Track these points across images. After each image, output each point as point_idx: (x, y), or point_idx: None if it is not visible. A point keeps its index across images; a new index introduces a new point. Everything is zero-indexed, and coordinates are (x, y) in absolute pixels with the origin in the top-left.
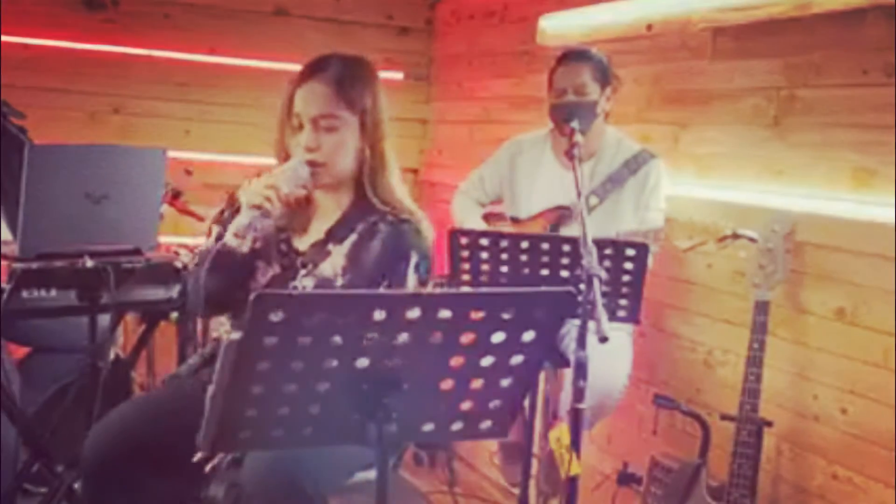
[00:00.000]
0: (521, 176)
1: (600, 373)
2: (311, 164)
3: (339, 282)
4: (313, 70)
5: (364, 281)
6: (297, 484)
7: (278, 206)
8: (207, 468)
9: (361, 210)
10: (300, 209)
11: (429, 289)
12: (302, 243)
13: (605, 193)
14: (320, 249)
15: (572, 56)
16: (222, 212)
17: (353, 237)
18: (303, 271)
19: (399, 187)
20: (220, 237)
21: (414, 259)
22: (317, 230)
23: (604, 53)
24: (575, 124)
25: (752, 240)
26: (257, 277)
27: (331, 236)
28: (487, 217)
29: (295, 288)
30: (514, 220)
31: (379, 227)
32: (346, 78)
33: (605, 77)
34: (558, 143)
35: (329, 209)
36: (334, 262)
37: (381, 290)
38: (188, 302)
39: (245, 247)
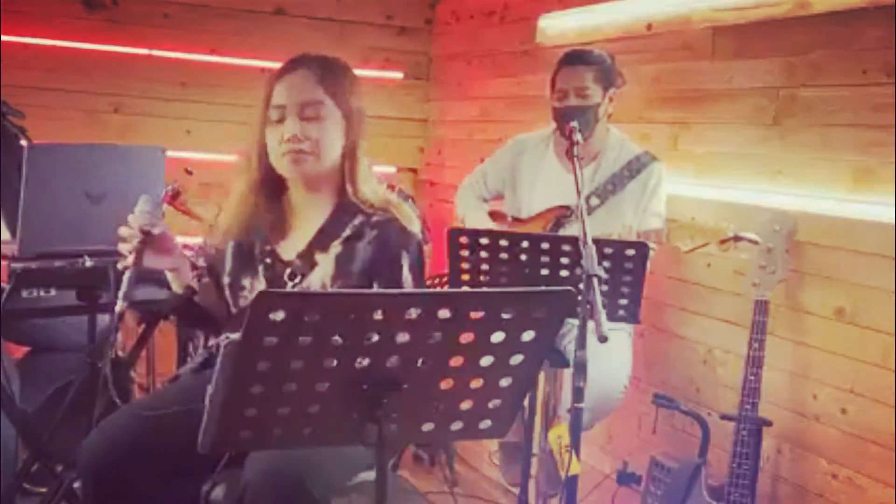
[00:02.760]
0: (522, 175)
1: (600, 373)
2: (294, 153)
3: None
4: (295, 63)
5: (355, 286)
6: (302, 485)
7: (147, 247)
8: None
9: (344, 213)
10: (273, 211)
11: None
12: (286, 251)
13: (606, 195)
14: (307, 259)
15: (574, 58)
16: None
17: (339, 243)
18: (290, 284)
19: (377, 183)
20: (200, 275)
21: (406, 260)
22: (300, 236)
23: (607, 53)
24: (575, 123)
25: (753, 242)
26: (245, 295)
27: (315, 244)
28: (492, 215)
29: None
30: (515, 220)
31: (364, 231)
32: (330, 69)
33: (607, 79)
34: (560, 143)
35: (311, 214)
36: (323, 271)
37: (382, 290)
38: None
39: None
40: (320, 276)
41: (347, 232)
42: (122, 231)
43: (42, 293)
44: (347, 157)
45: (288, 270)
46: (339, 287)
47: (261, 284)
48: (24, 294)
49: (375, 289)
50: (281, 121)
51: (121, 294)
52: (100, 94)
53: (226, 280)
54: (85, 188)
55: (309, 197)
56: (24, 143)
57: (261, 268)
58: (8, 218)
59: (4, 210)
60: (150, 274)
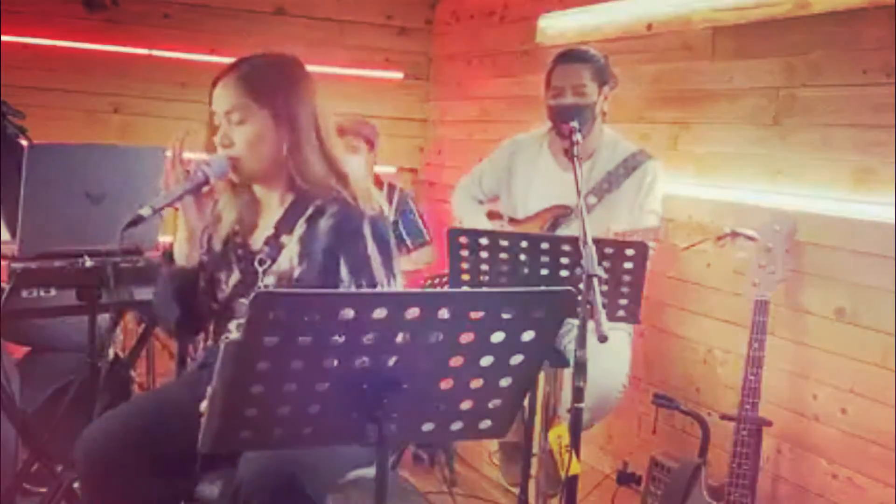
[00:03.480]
0: (518, 175)
1: (599, 372)
2: (229, 159)
3: (297, 272)
4: (225, 71)
5: (320, 264)
6: (296, 482)
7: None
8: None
9: (304, 198)
10: (243, 207)
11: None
12: (255, 242)
13: (602, 193)
14: (273, 244)
15: (570, 56)
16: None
17: (302, 222)
18: (260, 269)
19: (335, 173)
20: (165, 258)
21: (368, 229)
22: (265, 227)
23: (601, 52)
24: (575, 123)
25: (751, 238)
26: (222, 288)
27: (280, 228)
28: (490, 215)
29: (259, 288)
30: (512, 220)
31: (325, 208)
32: (255, 74)
33: (603, 77)
34: (555, 142)
35: (273, 204)
36: (289, 251)
37: (381, 290)
38: (164, 328)
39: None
40: (287, 257)
41: (309, 212)
42: (204, 170)
43: (42, 293)
44: (290, 151)
45: (258, 257)
46: (305, 266)
47: (235, 276)
48: (24, 294)
49: (341, 264)
50: (219, 125)
51: (158, 201)
52: (100, 94)
53: (201, 275)
54: (85, 188)
55: (268, 192)
56: (24, 143)
57: (233, 259)
58: (8, 218)
59: (4, 210)
60: (150, 273)
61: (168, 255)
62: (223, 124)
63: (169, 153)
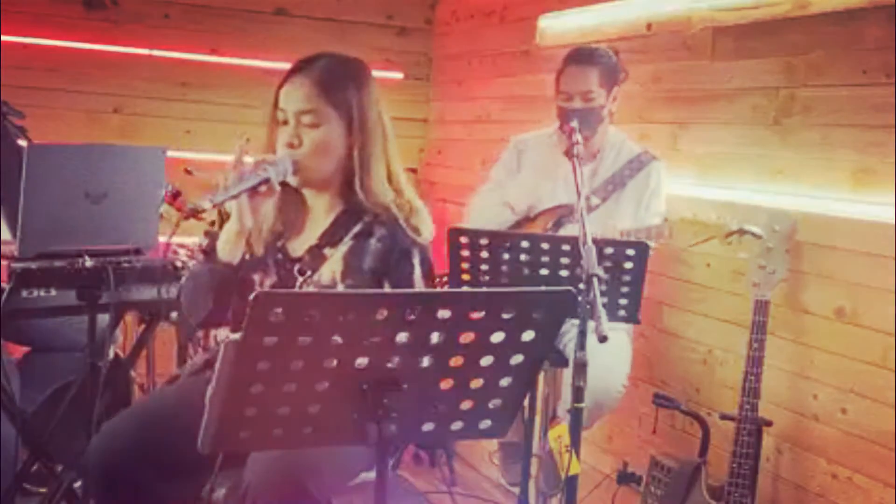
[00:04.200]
0: (525, 171)
1: (599, 372)
2: (294, 162)
3: (339, 287)
4: (299, 67)
5: (365, 284)
6: (302, 485)
7: (274, 176)
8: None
9: (354, 212)
10: (288, 209)
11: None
12: (296, 250)
13: (606, 193)
14: (316, 255)
15: (581, 58)
16: (212, 224)
17: (348, 240)
18: (300, 279)
19: (395, 186)
20: (205, 251)
21: (417, 258)
22: (310, 235)
23: (611, 50)
24: (574, 123)
25: (756, 235)
26: (254, 289)
27: (325, 240)
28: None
29: None
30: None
31: (374, 229)
32: (331, 75)
33: (612, 79)
34: (563, 141)
35: (321, 213)
36: (332, 266)
37: (381, 290)
38: (186, 318)
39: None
40: (330, 272)
41: (357, 228)
42: (280, 164)
43: (42, 293)
44: (356, 159)
45: (297, 266)
46: (349, 284)
47: (271, 279)
48: (24, 294)
49: (385, 288)
50: (286, 122)
51: (219, 196)
52: (100, 94)
53: None
54: (85, 188)
55: (317, 196)
56: (24, 143)
57: (271, 263)
58: (8, 218)
59: (4, 210)
60: (150, 273)
61: (209, 248)
62: (292, 125)
63: (233, 155)
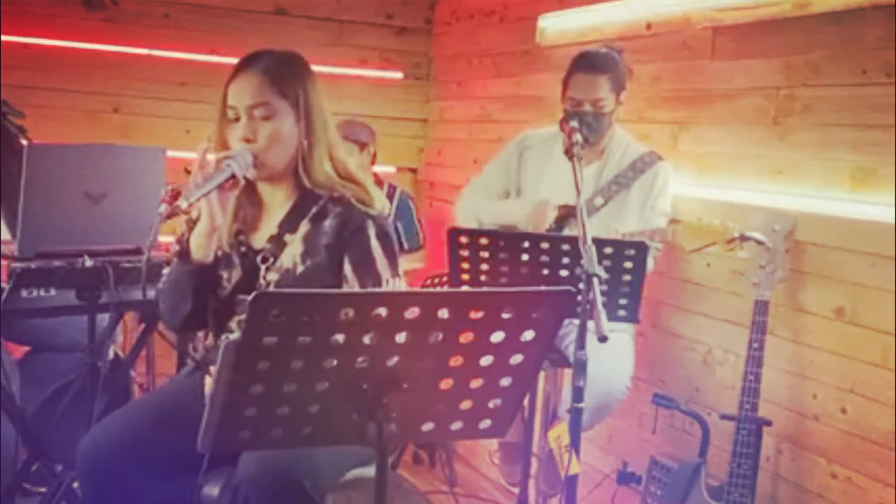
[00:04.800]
0: (528, 172)
1: (603, 373)
2: (252, 154)
3: (300, 269)
4: (245, 63)
5: (324, 262)
6: (294, 482)
7: (240, 171)
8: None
9: (309, 198)
10: (244, 204)
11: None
12: (257, 241)
13: (610, 194)
14: (277, 242)
15: (591, 66)
16: (189, 221)
17: (306, 222)
18: (263, 267)
19: (338, 169)
20: (178, 254)
21: (372, 229)
22: (269, 225)
23: (617, 50)
24: (574, 123)
25: (760, 242)
26: (223, 285)
27: (284, 227)
28: None
29: (260, 285)
30: None
31: (328, 208)
32: (279, 67)
33: (621, 83)
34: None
35: (277, 203)
36: (292, 250)
37: (381, 290)
38: (165, 322)
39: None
40: (291, 255)
41: (313, 210)
42: (241, 157)
43: (42, 293)
44: (306, 148)
45: (260, 256)
46: (309, 264)
47: (236, 273)
48: (24, 294)
49: (345, 264)
50: (237, 119)
51: (193, 194)
52: (100, 94)
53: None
54: (85, 188)
55: (273, 189)
56: (24, 142)
57: (235, 258)
58: (8, 218)
59: (4, 210)
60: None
61: (183, 251)
62: (245, 119)
63: (196, 154)
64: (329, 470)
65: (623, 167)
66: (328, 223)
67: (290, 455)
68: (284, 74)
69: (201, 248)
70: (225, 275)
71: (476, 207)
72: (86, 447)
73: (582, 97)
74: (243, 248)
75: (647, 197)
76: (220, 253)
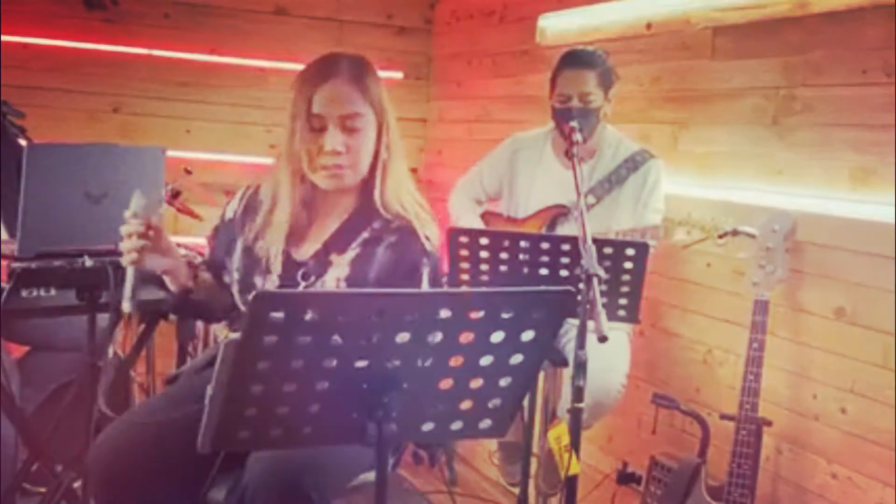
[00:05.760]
0: (519, 174)
1: (598, 372)
2: (335, 167)
3: None
4: (330, 70)
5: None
6: (301, 487)
7: (149, 245)
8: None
9: (364, 216)
10: (302, 208)
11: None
12: (300, 251)
13: (602, 193)
14: (321, 260)
15: (577, 61)
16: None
17: (356, 246)
18: (303, 283)
19: (406, 190)
20: (196, 273)
21: (426, 270)
22: (317, 237)
23: (603, 51)
24: (575, 123)
25: (751, 236)
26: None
27: (331, 246)
28: (485, 216)
29: None
30: (510, 219)
31: (383, 236)
32: (363, 75)
33: (608, 81)
34: (558, 141)
35: (331, 213)
36: (337, 273)
37: (380, 290)
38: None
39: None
40: (334, 277)
41: (365, 235)
42: (124, 228)
43: (42, 293)
44: (380, 162)
45: (301, 271)
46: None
47: (272, 282)
48: (24, 294)
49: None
50: (321, 130)
51: (126, 294)
52: (100, 94)
53: (235, 276)
54: (85, 188)
55: (331, 199)
56: (24, 142)
57: (273, 267)
58: (8, 218)
59: (4, 210)
60: (151, 273)
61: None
62: (334, 130)
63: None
64: (335, 475)
65: (615, 165)
66: (381, 252)
67: (296, 459)
68: (370, 83)
69: (173, 286)
70: (258, 282)
71: (461, 206)
72: (93, 461)
73: (570, 92)
74: (282, 259)
75: (639, 194)
76: (259, 255)
